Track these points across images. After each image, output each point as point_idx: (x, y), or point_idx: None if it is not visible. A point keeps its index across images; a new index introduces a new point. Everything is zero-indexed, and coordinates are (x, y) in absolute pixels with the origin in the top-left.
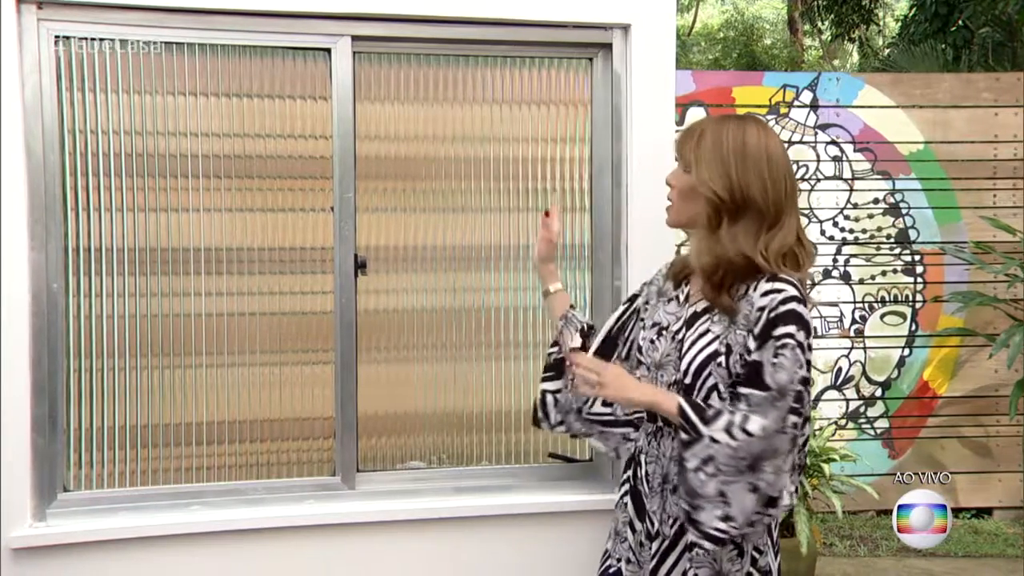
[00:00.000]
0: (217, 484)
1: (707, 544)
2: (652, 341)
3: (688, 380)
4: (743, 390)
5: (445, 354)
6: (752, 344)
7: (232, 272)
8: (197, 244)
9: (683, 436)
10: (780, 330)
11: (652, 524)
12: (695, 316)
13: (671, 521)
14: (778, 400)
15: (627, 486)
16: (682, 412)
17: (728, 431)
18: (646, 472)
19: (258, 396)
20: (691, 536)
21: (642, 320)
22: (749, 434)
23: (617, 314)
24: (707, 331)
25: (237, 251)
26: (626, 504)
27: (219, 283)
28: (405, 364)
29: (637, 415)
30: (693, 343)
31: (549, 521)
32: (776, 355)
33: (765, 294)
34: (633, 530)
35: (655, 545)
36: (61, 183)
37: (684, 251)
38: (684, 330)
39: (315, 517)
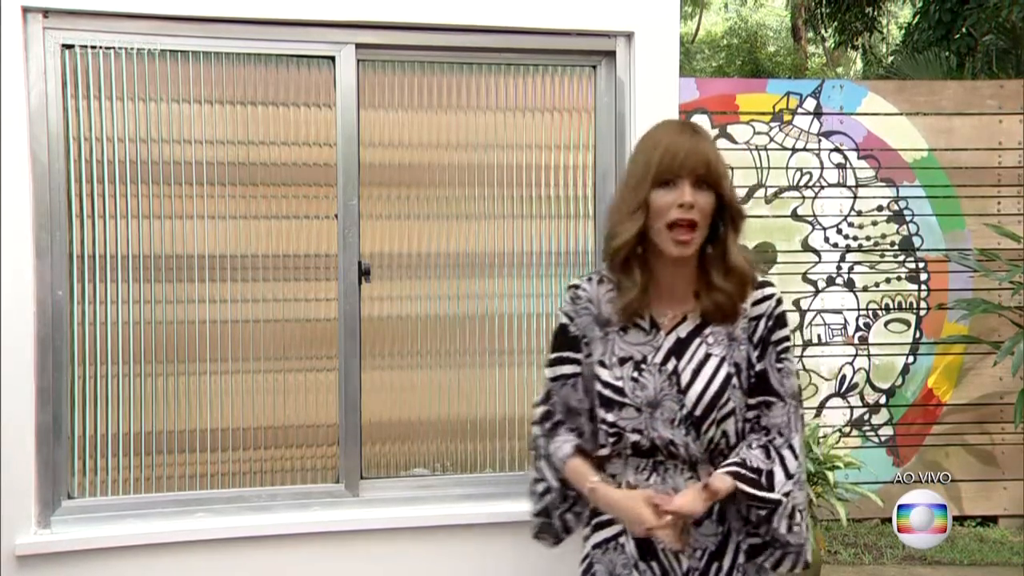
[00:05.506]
0: (221, 491)
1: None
2: (635, 379)
3: (699, 411)
4: (756, 400)
5: (449, 361)
6: (753, 354)
7: (236, 279)
8: (201, 251)
9: (760, 513)
10: (778, 334)
11: (672, 561)
12: (682, 343)
13: (700, 553)
14: (796, 407)
15: (619, 526)
16: (743, 490)
17: (788, 475)
18: None
19: (262, 403)
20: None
21: (589, 356)
22: (796, 456)
23: (569, 375)
24: (708, 355)
25: (241, 258)
26: (623, 545)
27: (223, 290)
28: (409, 371)
29: (615, 447)
30: (696, 372)
31: None
32: (779, 360)
33: (758, 302)
34: (638, 570)
35: None
36: (66, 190)
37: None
38: (673, 360)
39: (319, 524)
